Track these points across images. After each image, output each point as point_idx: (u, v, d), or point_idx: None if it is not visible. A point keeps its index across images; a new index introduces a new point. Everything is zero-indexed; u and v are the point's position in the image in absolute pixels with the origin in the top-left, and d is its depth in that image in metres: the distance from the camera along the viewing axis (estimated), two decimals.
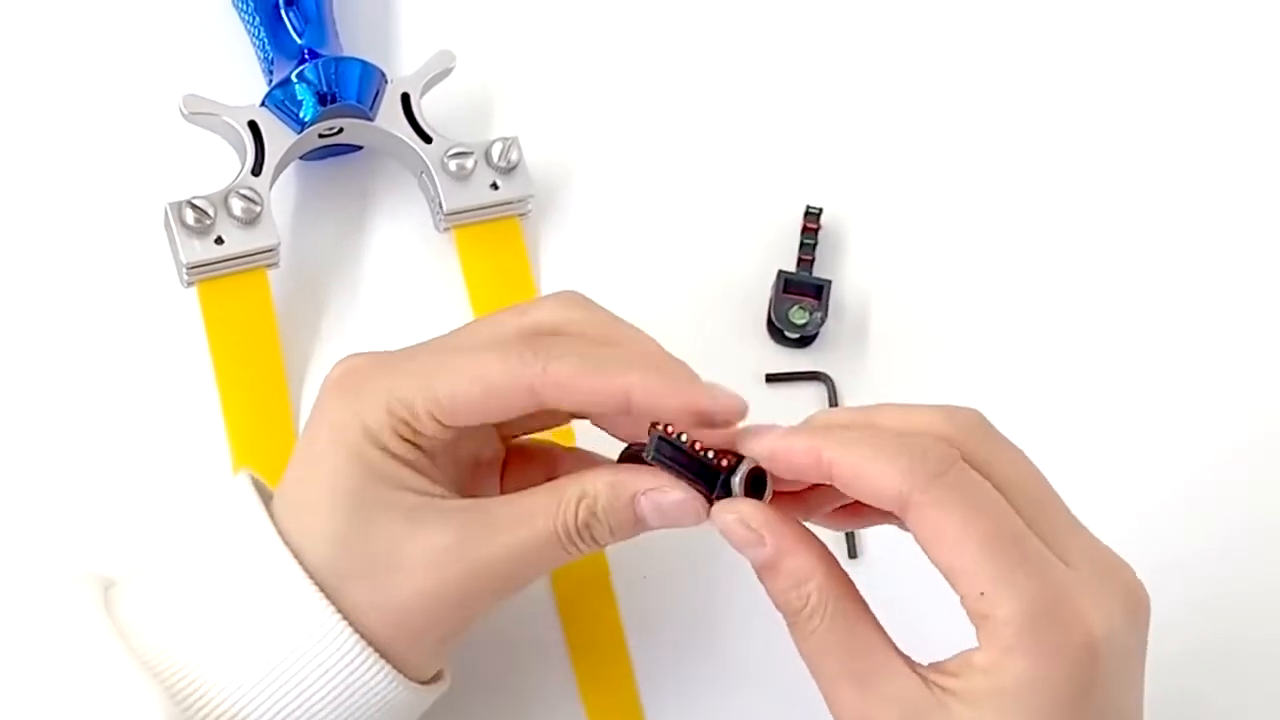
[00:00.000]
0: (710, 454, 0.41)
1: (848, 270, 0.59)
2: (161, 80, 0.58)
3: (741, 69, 0.63)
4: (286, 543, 0.41)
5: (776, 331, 0.57)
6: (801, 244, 0.59)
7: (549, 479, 0.43)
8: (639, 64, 0.63)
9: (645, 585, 0.53)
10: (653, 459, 0.41)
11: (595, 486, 0.42)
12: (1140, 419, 0.58)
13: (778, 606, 0.40)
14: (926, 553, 0.39)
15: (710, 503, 0.41)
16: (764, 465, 0.41)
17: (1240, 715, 0.53)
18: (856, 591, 0.40)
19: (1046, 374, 0.58)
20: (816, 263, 0.58)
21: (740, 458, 0.41)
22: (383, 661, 0.41)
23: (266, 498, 0.43)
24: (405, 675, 0.42)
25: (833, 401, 0.56)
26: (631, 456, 0.44)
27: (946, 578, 0.38)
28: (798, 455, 0.40)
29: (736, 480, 0.41)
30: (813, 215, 0.59)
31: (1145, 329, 0.60)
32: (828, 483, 0.40)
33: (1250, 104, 0.65)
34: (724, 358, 0.57)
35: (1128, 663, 0.39)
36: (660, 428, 0.41)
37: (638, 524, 0.42)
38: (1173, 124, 0.64)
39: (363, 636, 0.41)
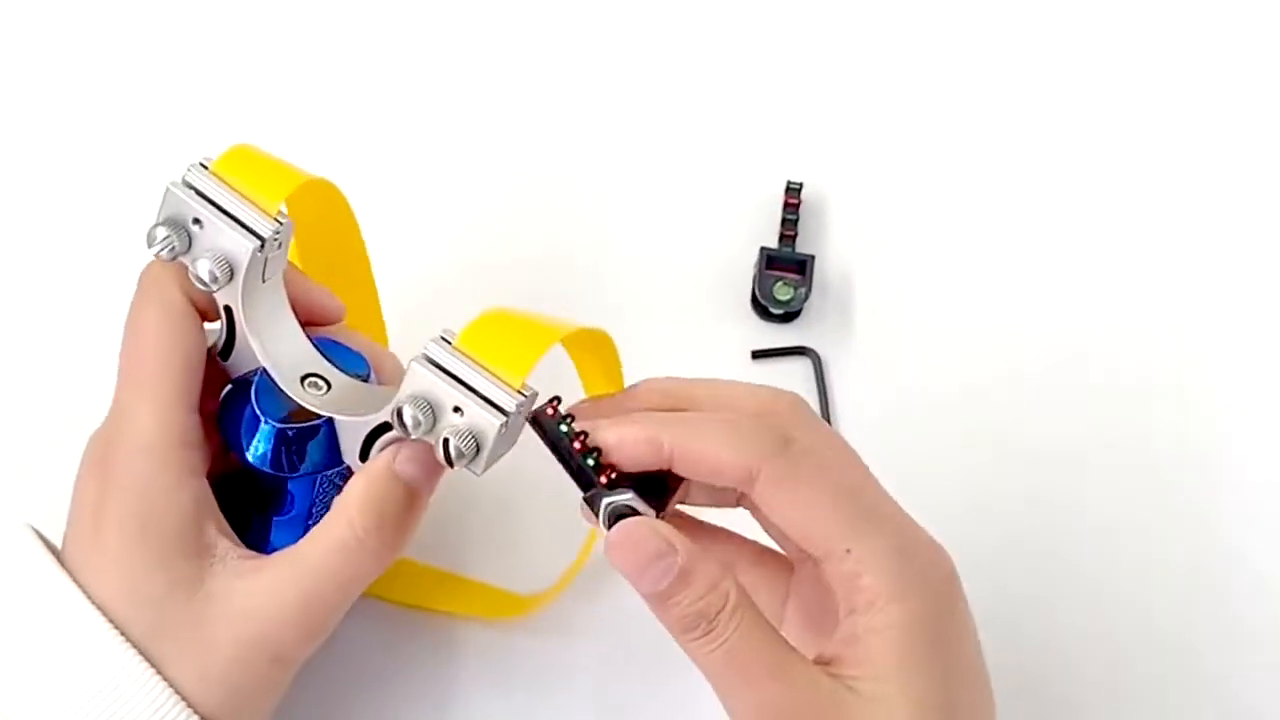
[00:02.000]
0: (590, 459, 0.39)
1: (830, 244, 0.59)
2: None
3: (716, 48, 0.63)
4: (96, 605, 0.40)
5: (761, 308, 0.57)
6: (783, 220, 0.59)
7: None
8: (618, 44, 0.63)
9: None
10: (531, 424, 0.40)
11: (359, 476, 0.41)
12: (1117, 397, 0.57)
13: (687, 623, 0.38)
14: (779, 524, 0.39)
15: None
16: (611, 453, 0.39)
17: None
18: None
19: (1027, 341, 0.58)
20: (799, 238, 0.58)
21: (618, 477, 0.40)
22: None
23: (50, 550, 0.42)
24: None
25: (819, 376, 0.56)
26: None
27: (803, 545, 0.39)
28: (638, 446, 0.39)
29: (604, 506, 0.39)
30: (793, 190, 0.59)
31: (1127, 303, 0.60)
32: (667, 465, 0.39)
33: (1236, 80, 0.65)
34: (709, 335, 0.57)
35: (965, 604, 0.40)
36: (550, 406, 0.40)
37: (409, 495, 0.41)
38: (1161, 101, 0.64)
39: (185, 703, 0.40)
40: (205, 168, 0.42)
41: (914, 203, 0.61)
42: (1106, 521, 0.54)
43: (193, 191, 0.42)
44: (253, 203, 0.42)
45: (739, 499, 0.42)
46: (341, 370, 0.44)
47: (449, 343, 0.40)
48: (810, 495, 0.39)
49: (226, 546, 0.41)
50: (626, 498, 0.39)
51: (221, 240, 0.41)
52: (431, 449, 0.40)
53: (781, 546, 0.43)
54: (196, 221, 0.42)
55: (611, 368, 0.45)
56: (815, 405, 0.56)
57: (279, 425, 0.43)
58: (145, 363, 0.42)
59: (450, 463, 0.39)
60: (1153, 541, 0.54)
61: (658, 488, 0.40)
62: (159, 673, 0.39)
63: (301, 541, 0.41)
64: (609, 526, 0.39)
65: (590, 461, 0.39)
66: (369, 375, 0.44)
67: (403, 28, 0.63)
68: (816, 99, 0.63)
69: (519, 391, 0.39)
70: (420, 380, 0.39)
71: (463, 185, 0.60)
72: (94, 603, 0.40)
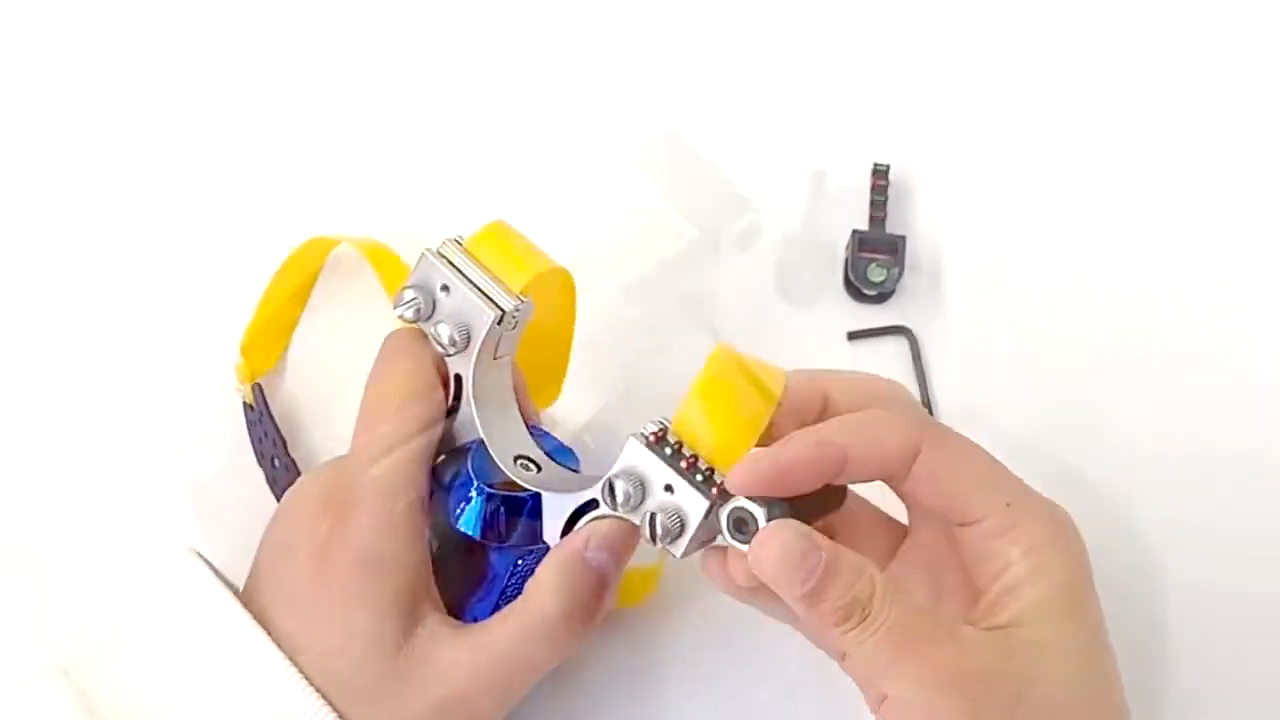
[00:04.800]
0: (699, 477, 0.40)
1: (919, 224, 0.60)
2: None
3: (798, 31, 0.64)
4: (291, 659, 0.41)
5: (854, 290, 0.58)
6: (872, 201, 0.59)
7: None
8: (705, 28, 0.64)
9: None
10: (646, 445, 0.41)
11: (551, 558, 0.42)
12: (1219, 387, 0.57)
13: (841, 614, 0.38)
14: (940, 491, 0.41)
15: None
16: (787, 474, 0.39)
17: None
18: None
19: (1120, 315, 0.59)
20: (888, 219, 0.59)
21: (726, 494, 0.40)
22: None
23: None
24: None
25: (915, 355, 0.57)
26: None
27: (964, 506, 0.41)
28: (819, 449, 0.40)
29: (727, 513, 0.39)
30: (880, 172, 0.60)
31: (1232, 283, 0.59)
32: (841, 472, 0.40)
33: None
34: (805, 319, 0.58)
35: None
36: (656, 428, 0.41)
37: (599, 581, 0.42)
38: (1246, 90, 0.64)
39: None
40: (459, 243, 0.44)
41: (1002, 180, 0.61)
42: (1203, 513, 0.54)
43: (445, 260, 0.44)
44: (498, 280, 0.44)
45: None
46: (551, 458, 0.45)
47: (665, 425, 0.41)
48: (968, 457, 0.41)
49: (431, 611, 0.43)
50: (742, 502, 0.39)
51: (464, 308, 0.44)
52: (623, 534, 0.42)
53: (926, 518, 0.43)
54: (445, 289, 0.44)
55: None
56: (912, 384, 0.56)
57: (490, 490, 0.44)
58: (393, 413, 0.44)
59: (654, 539, 0.40)
60: (1249, 532, 0.54)
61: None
62: None
63: (495, 618, 0.42)
64: (732, 533, 0.39)
65: (699, 478, 0.40)
66: (578, 468, 0.46)
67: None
68: (898, 81, 0.63)
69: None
70: (635, 455, 0.41)
71: (554, 173, 0.61)
72: (296, 644, 0.41)
